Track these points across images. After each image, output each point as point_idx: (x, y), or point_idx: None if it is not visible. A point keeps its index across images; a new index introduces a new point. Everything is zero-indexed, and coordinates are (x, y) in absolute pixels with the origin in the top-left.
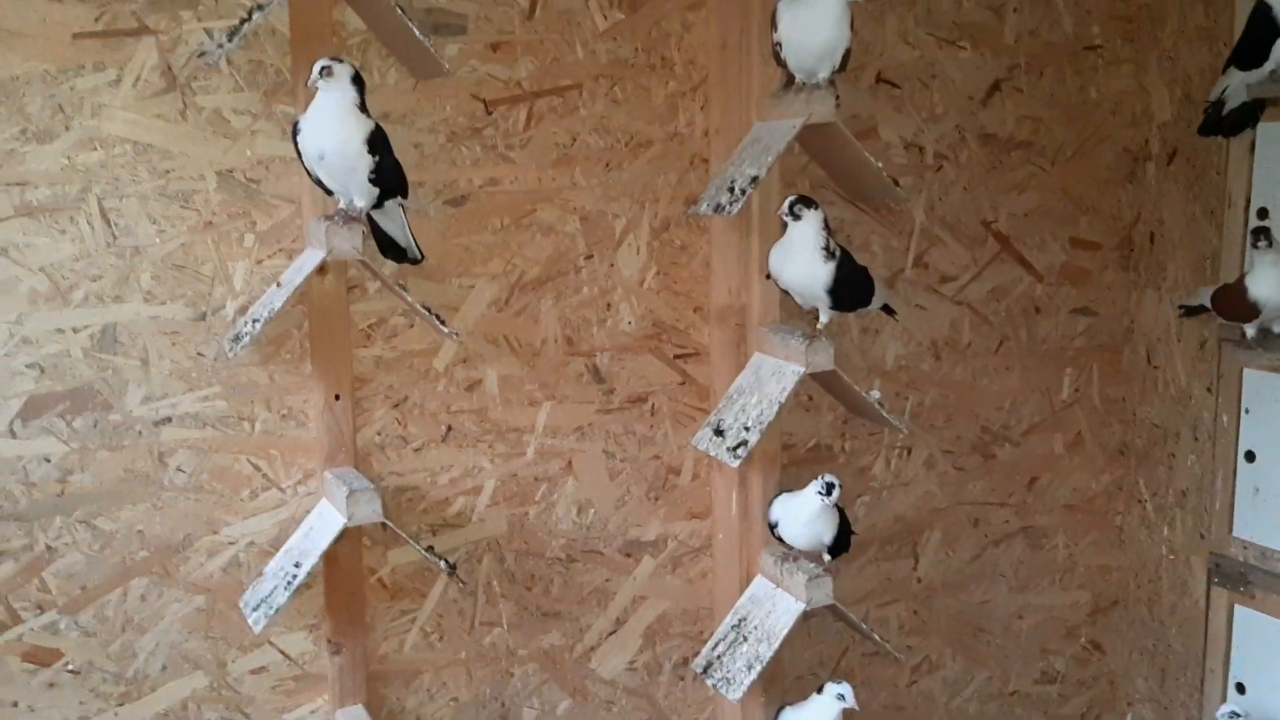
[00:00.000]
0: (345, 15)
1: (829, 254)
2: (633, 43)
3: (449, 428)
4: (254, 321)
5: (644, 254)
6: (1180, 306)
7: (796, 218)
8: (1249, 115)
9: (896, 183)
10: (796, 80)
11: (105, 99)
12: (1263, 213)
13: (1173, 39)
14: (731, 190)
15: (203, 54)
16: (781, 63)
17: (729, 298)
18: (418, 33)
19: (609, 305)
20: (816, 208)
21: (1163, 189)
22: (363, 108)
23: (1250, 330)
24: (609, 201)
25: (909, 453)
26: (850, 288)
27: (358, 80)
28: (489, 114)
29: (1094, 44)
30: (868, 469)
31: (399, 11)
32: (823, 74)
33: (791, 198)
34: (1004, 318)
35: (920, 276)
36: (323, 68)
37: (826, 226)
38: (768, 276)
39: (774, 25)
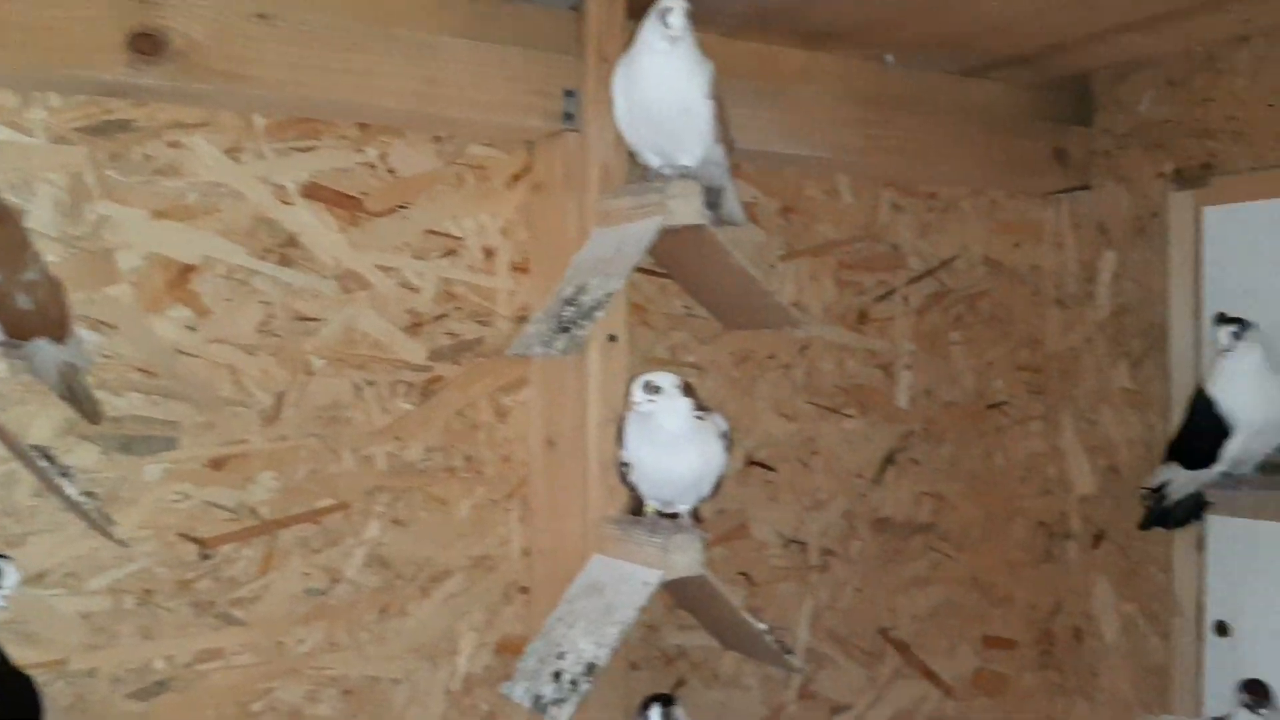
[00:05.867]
0: None
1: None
2: (424, 441)
3: None
4: None
5: None
6: None
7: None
8: (1198, 507)
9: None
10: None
11: None
12: (1221, 627)
13: (1090, 399)
14: (569, 329)
15: None
16: (629, 485)
17: None
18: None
19: None
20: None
21: (1089, 577)
22: None
23: None
24: (386, 663)
25: None
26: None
27: None
28: (205, 558)
29: (998, 401)
30: None
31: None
32: (683, 506)
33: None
34: None
35: (807, 711)
36: None
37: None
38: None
39: (620, 441)
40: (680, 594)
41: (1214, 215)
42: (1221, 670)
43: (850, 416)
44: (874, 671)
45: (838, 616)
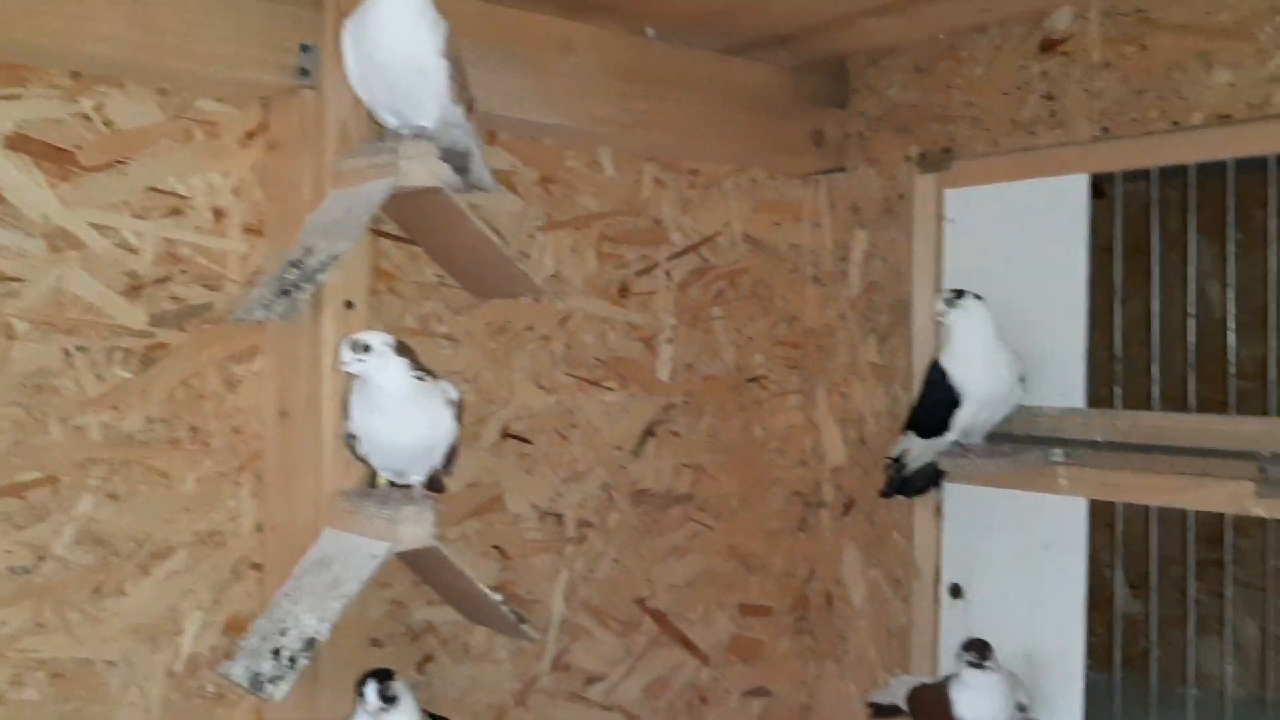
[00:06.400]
0: None
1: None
2: (144, 411)
3: None
4: None
5: (158, 716)
6: (870, 704)
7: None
8: (935, 475)
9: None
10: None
11: None
12: (955, 589)
13: (843, 373)
14: (289, 292)
15: None
16: (360, 458)
17: None
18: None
19: None
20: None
21: (840, 545)
22: None
23: None
24: (100, 644)
25: None
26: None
27: None
28: None
29: (757, 375)
30: None
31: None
32: (416, 477)
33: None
34: (665, 718)
35: (561, 682)
36: None
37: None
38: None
39: (346, 413)
40: (418, 567)
41: (954, 197)
42: (955, 630)
43: (610, 389)
44: (630, 641)
45: (594, 588)
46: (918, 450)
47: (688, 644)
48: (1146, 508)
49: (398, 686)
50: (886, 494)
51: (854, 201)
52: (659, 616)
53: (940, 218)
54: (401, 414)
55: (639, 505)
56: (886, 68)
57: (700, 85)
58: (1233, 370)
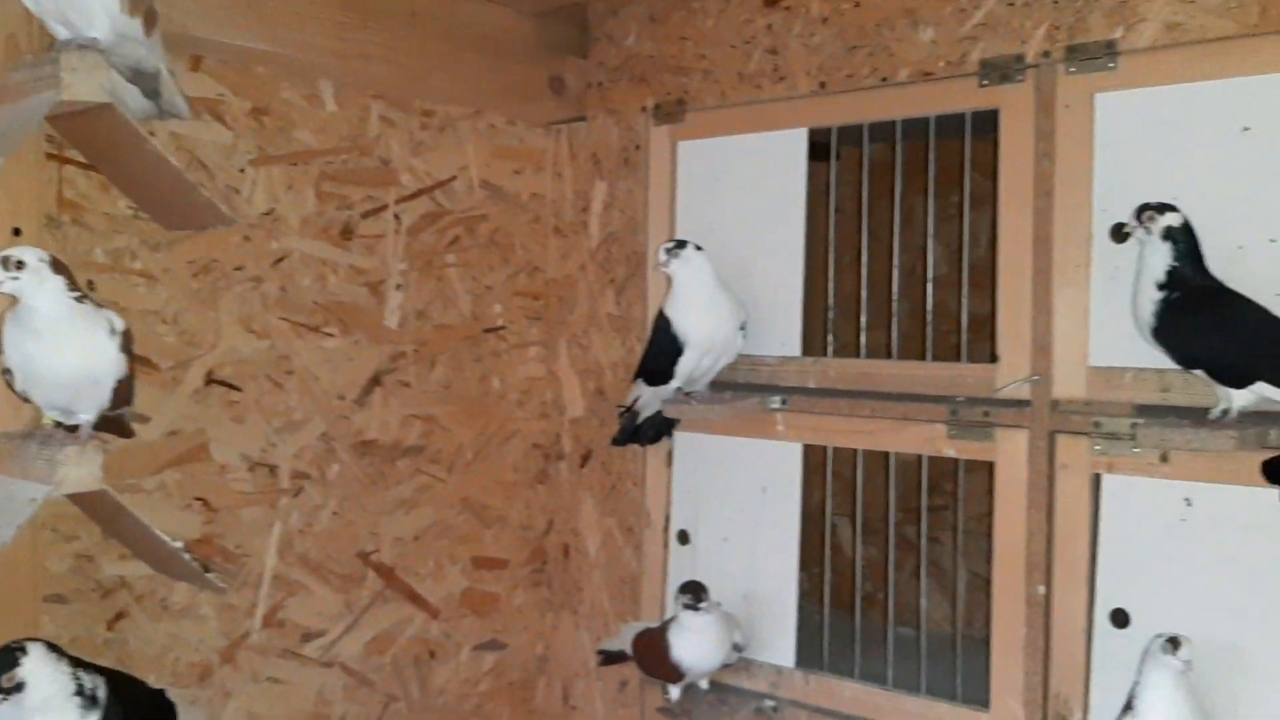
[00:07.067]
0: None
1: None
2: None
3: None
4: None
5: None
6: (599, 652)
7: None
8: (666, 424)
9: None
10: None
11: None
12: (683, 535)
13: (583, 324)
14: None
15: None
16: (21, 395)
17: None
18: None
19: None
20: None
21: (577, 496)
22: None
23: (674, 692)
24: None
25: None
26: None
27: None
28: None
29: (496, 325)
30: None
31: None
32: (85, 416)
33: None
34: (390, 673)
35: (273, 639)
36: None
37: None
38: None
39: None
40: (99, 517)
41: (687, 149)
42: (683, 576)
43: (331, 335)
44: (352, 596)
45: (312, 541)
46: (647, 398)
47: (416, 598)
48: (886, 456)
49: (26, 669)
50: (618, 442)
51: (594, 152)
52: (385, 571)
53: (674, 169)
54: (57, 338)
55: (363, 457)
56: (625, 18)
57: (430, 22)
58: (930, 320)
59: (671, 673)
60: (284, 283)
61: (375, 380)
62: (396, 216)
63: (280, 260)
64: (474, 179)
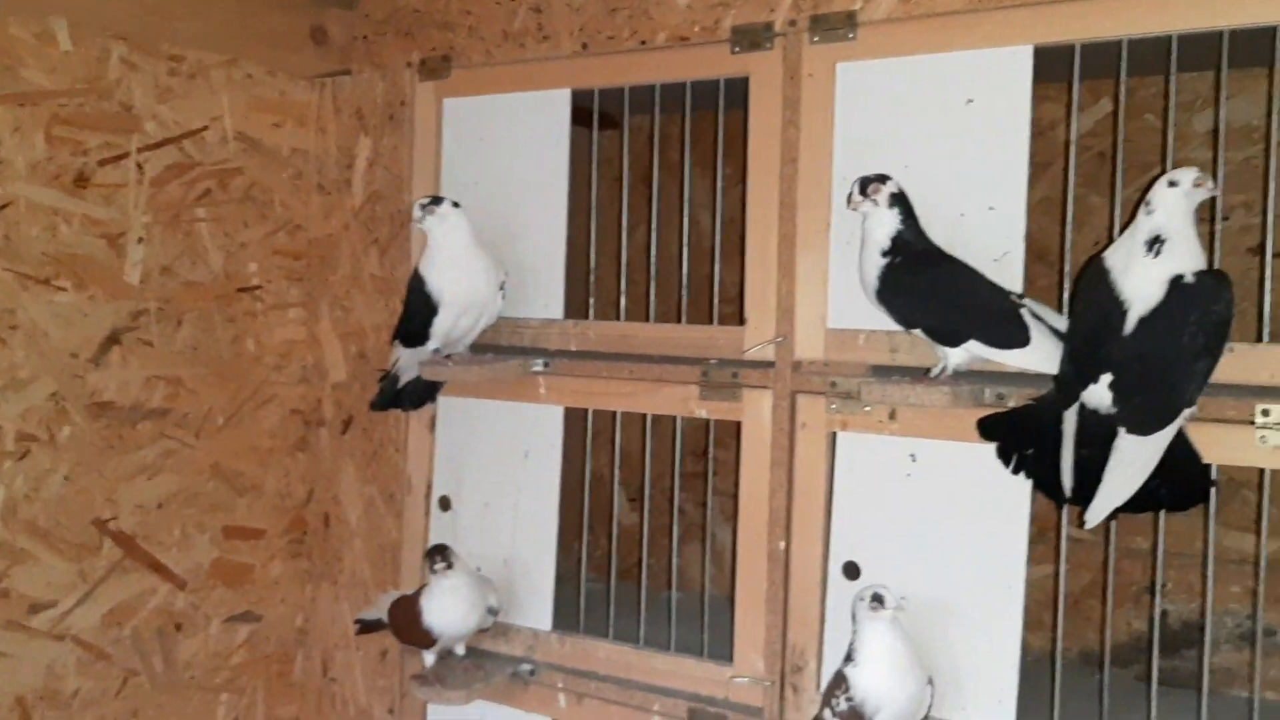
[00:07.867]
0: None
1: None
2: None
3: None
4: None
5: None
6: (357, 621)
7: None
8: (430, 388)
9: None
10: None
11: None
12: (444, 502)
13: (345, 286)
14: None
15: None
16: None
17: None
18: None
19: None
20: None
21: (339, 463)
22: None
23: (429, 658)
24: None
25: None
26: None
27: None
28: None
29: (251, 285)
30: None
31: None
32: None
33: None
34: (129, 647)
35: None
36: None
37: None
38: None
39: None
40: None
41: (452, 106)
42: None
43: (63, 289)
44: (86, 565)
45: (39, 508)
46: (406, 360)
47: (160, 568)
48: (643, 421)
49: None
50: (377, 407)
51: (359, 107)
52: (124, 539)
53: (439, 127)
54: None
55: (99, 419)
56: None
57: None
58: (685, 283)
59: (424, 638)
60: (8, 231)
61: (113, 339)
62: (139, 166)
63: (4, 207)
64: (228, 130)
